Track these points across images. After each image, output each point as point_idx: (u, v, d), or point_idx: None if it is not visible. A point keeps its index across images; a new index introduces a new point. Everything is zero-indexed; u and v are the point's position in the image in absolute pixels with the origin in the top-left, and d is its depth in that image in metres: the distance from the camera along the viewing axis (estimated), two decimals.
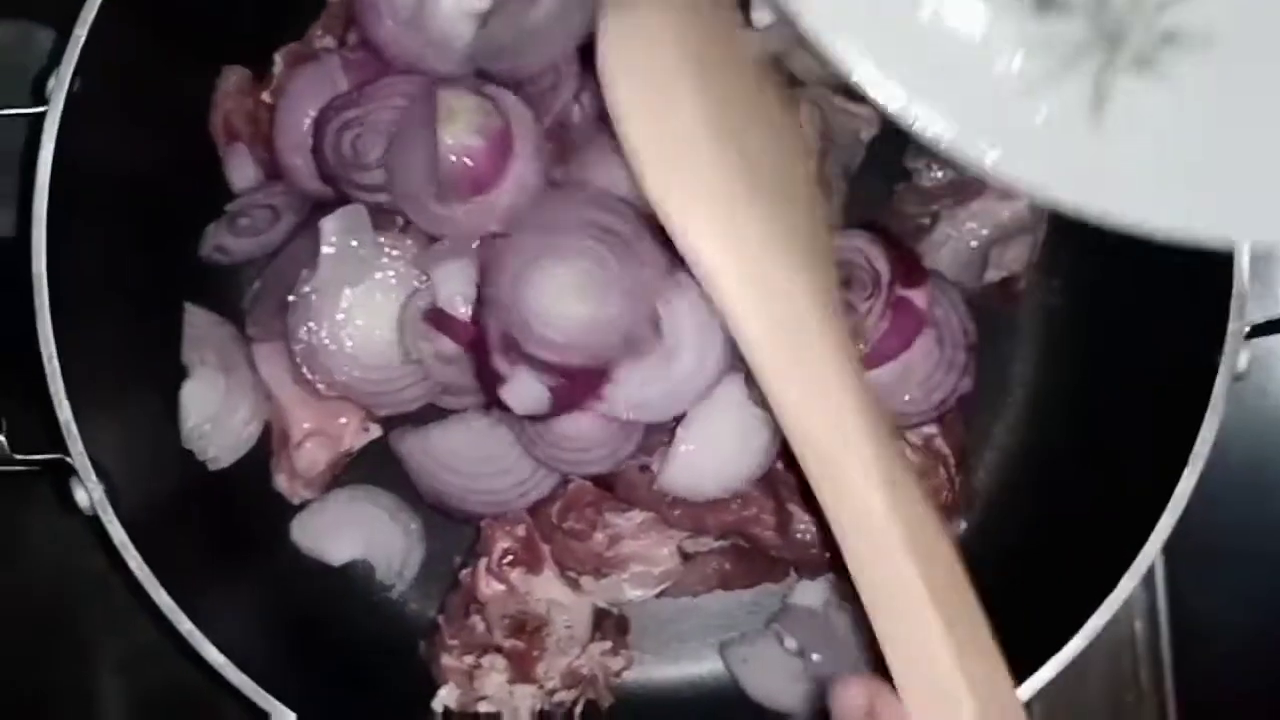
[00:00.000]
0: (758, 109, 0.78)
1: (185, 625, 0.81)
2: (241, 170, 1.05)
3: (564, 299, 0.90)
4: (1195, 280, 0.81)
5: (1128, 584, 0.78)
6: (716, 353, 0.91)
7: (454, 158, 0.92)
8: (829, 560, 0.97)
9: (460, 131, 0.92)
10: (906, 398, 0.95)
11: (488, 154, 0.92)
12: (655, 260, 0.90)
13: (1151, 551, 0.78)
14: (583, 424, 0.95)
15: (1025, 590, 0.95)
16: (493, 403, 0.94)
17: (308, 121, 0.99)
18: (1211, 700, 1.09)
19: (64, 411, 0.83)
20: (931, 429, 0.97)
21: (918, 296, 0.94)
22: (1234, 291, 0.78)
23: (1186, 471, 0.78)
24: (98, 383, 0.88)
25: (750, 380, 0.92)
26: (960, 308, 0.97)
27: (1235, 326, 0.77)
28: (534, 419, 0.94)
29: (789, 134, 0.82)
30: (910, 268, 0.95)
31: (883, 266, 0.94)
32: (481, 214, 0.94)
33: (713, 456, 0.94)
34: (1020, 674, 0.84)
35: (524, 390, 0.91)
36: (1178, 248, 0.46)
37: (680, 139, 0.70)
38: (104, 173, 0.93)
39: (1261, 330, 0.78)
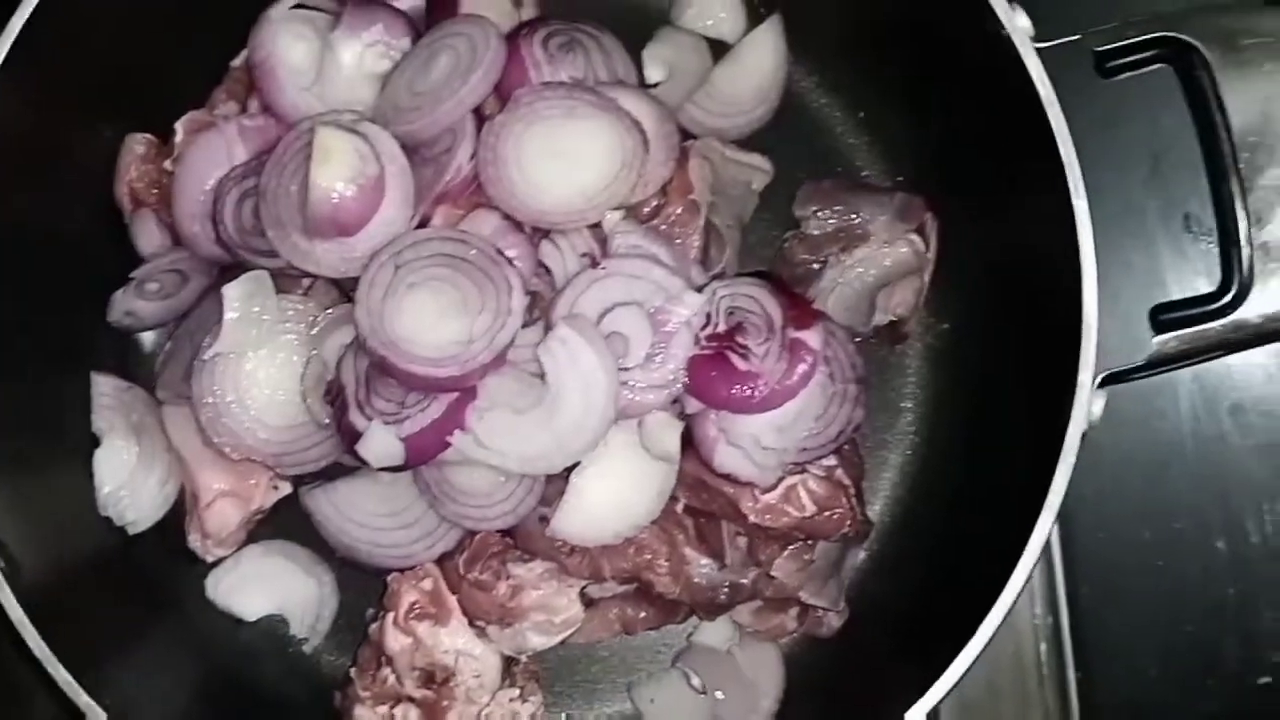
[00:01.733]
0: None
1: (83, 699, 0.82)
2: (148, 236, 1.06)
3: (428, 321, 0.93)
4: (1053, 332, 0.84)
5: (986, 630, 0.80)
6: (601, 403, 0.92)
7: (323, 200, 0.93)
8: (725, 601, 0.99)
9: (333, 175, 0.93)
10: (806, 433, 0.97)
11: (357, 202, 0.94)
12: (511, 283, 0.92)
13: (1014, 589, 0.80)
14: (480, 478, 0.97)
15: (921, 617, 0.99)
16: (352, 457, 0.96)
17: (206, 190, 1.01)
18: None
19: None
20: (832, 460, 0.99)
21: (810, 337, 0.96)
22: (1082, 344, 0.79)
23: (1040, 520, 0.80)
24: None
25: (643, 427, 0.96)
26: (848, 345, 1.00)
27: (1085, 377, 0.79)
28: (431, 469, 0.96)
29: None
30: (801, 311, 0.98)
31: (775, 311, 0.97)
32: (341, 253, 0.96)
33: (605, 503, 0.96)
34: (913, 697, 0.87)
35: (378, 444, 0.93)
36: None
37: None
38: (4, 244, 0.95)
39: (1112, 379, 0.80)
